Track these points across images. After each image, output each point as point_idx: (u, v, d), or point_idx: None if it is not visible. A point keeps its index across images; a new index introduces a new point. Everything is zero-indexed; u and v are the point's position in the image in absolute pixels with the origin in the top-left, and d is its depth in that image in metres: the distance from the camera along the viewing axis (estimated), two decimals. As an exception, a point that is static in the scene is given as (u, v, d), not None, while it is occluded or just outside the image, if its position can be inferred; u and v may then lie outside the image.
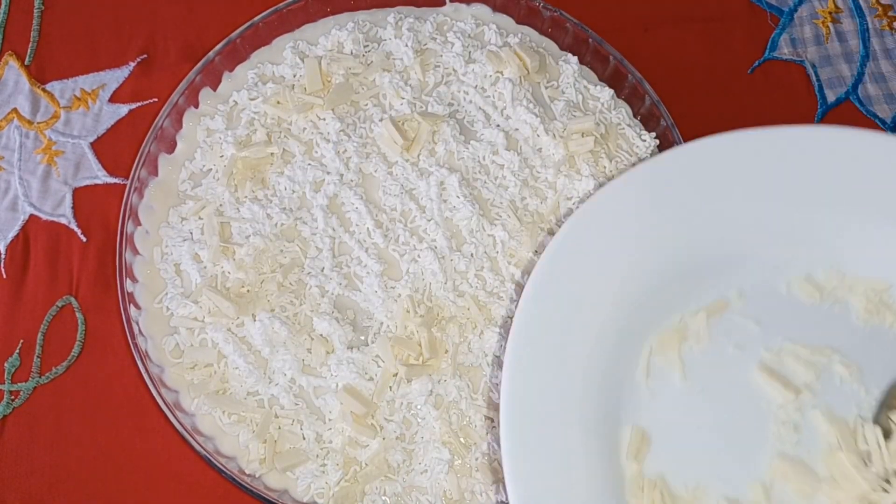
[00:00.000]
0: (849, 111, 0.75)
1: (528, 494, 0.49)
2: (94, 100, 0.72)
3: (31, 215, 0.69)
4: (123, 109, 0.72)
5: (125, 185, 0.64)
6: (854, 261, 0.56)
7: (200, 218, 0.62)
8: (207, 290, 0.59)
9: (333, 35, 0.67)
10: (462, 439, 0.57)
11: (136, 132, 0.70)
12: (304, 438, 0.57)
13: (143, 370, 0.58)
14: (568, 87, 0.67)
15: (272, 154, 0.63)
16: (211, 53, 0.66)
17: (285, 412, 0.57)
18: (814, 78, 0.76)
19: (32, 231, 0.68)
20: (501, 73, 0.65)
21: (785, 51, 0.77)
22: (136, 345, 0.59)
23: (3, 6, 0.75)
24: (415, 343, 0.58)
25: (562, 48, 0.70)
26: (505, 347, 0.52)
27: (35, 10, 0.75)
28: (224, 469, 0.56)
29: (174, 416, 0.57)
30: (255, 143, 0.63)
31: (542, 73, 0.67)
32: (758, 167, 0.55)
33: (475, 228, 0.61)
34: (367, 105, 0.64)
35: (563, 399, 0.51)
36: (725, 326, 0.55)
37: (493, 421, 0.58)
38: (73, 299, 0.66)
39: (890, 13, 0.78)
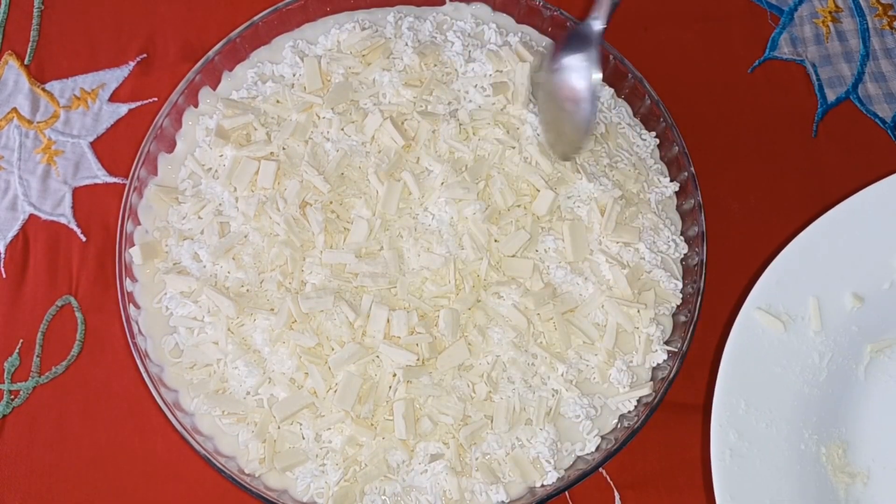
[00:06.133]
0: (849, 111, 0.75)
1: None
2: (93, 99, 0.72)
3: (31, 215, 0.69)
4: (123, 109, 0.72)
5: (125, 185, 0.64)
6: None
7: (200, 217, 0.62)
8: (207, 288, 0.59)
9: (333, 34, 0.67)
10: (462, 439, 0.57)
11: (136, 132, 0.70)
12: (303, 438, 0.57)
13: (142, 370, 0.58)
14: (568, 86, 0.67)
15: (272, 153, 0.63)
16: (210, 53, 0.66)
17: (285, 412, 0.57)
18: (814, 77, 0.76)
19: (32, 231, 0.68)
20: (501, 71, 0.65)
21: (785, 50, 0.77)
22: (135, 344, 0.59)
23: (3, 6, 0.75)
24: (414, 343, 0.58)
25: (562, 47, 0.70)
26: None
27: (35, 10, 0.75)
28: (223, 469, 0.56)
29: (174, 415, 0.57)
30: (254, 142, 0.63)
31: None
32: None
33: (476, 227, 0.61)
34: (366, 104, 0.64)
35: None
36: None
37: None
38: (72, 299, 0.66)
39: (890, 13, 0.78)
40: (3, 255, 0.68)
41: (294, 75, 0.66)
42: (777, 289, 0.59)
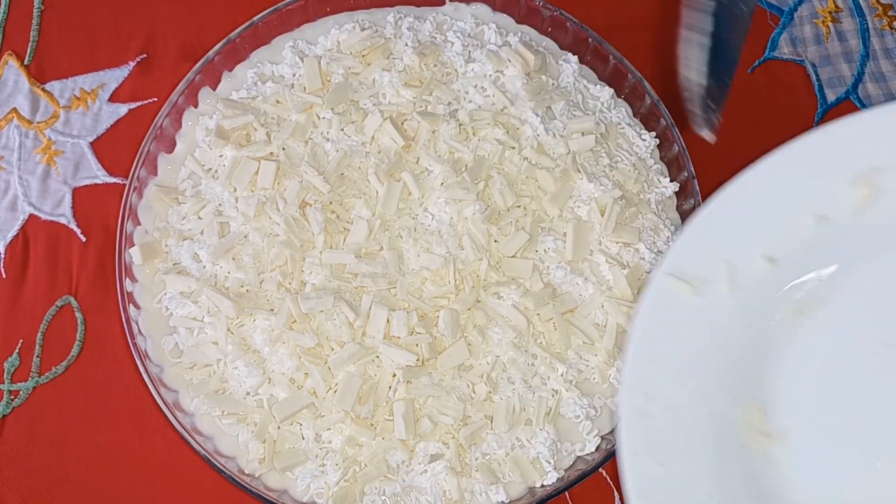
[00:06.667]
0: (849, 111, 0.75)
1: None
2: (93, 99, 0.72)
3: (31, 215, 0.69)
4: (123, 109, 0.72)
5: (125, 185, 0.64)
6: None
7: (200, 218, 0.62)
8: (207, 289, 0.59)
9: (333, 34, 0.67)
10: (462, 439, 0.57)
11: (136, 132, 0.70)
12: (303, 438, 0.57)
13: (142, 370, 0.58)
14: (568, 86, 0.67)
15: (272, 154, 0.63)
16: (210, 53, 0.66)
17: (285, 412, 0.57)
18: (814, 77, 0.76)
19: (32, 231, 0.68)
20: (502, 72, 0.65)
21: (785, 50, 0.77)
22: (135, 344, 0.59)
23: (3, 6, 0.75)
24: (414, 343, 0.58)
25: (562, 48, 0.70)
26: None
27: (35, 10, 0.75)
28: (223, 469, 0.56)
29: (174, 415, 0.57)
30: (254, 142, 0.63)
31: (542, 73, 0.67)
32: None
33: (476, 228, 0.61)
34: (366, 104, 0.64)
35: None
36: None
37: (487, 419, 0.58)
38: (72, 299, 0.66)
39: (890, 13, 0.78)
40: (3, 255, 0.68)
41: (294, 75, 0.66)
42: (689, 254, 0.57)
